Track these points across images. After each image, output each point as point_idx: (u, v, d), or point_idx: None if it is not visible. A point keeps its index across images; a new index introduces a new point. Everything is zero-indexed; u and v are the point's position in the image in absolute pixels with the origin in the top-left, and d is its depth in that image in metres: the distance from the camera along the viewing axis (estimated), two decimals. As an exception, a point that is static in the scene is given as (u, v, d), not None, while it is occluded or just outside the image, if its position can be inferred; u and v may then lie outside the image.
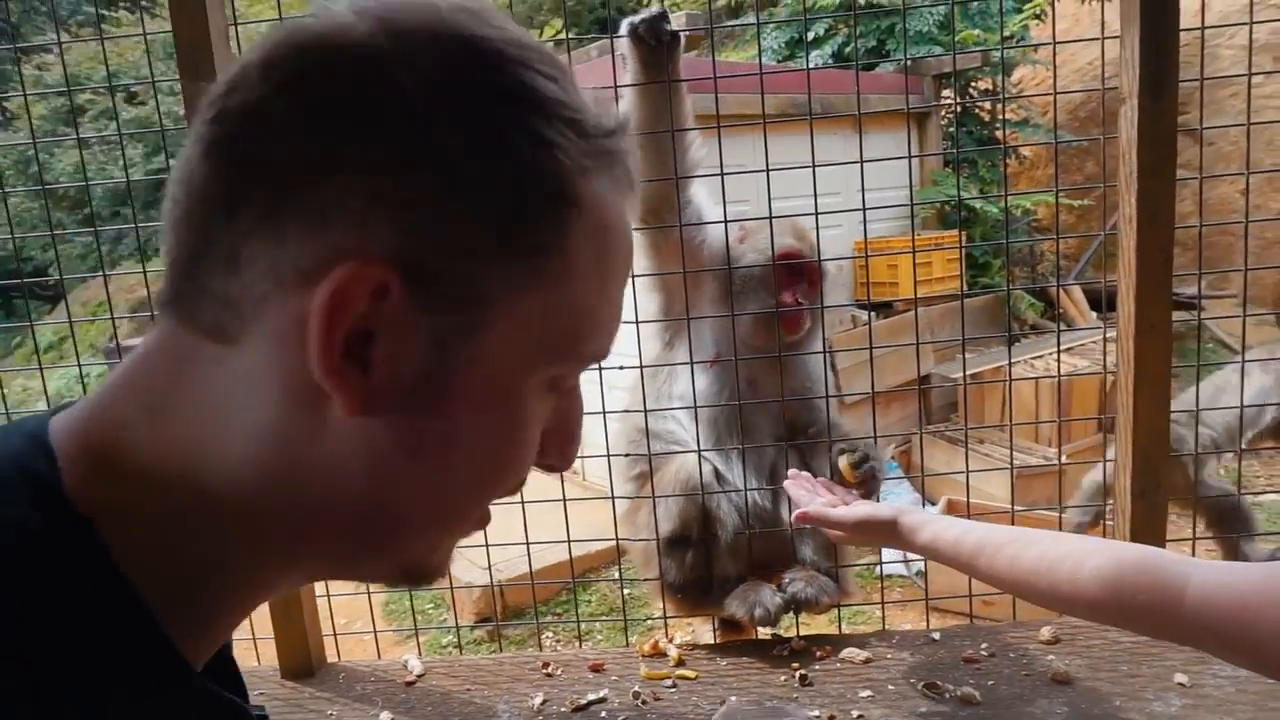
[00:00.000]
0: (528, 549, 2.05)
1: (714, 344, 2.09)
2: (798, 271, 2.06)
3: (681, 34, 1.87)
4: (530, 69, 0.49)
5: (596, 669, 1.92)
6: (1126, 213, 1.79)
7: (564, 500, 1.98)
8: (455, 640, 4.05)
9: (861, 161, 1.87)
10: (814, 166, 1.88)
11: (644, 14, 1.83)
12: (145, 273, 1.90)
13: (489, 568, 2.41)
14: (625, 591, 4.47)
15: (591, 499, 2.23)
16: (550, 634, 4.32)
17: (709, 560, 2.01)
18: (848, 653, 1.89)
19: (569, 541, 2.00)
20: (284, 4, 2.03)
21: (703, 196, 2.07)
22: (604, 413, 2.00)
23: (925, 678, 1.76)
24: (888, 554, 3.95)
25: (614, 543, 2.30)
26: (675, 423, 2.07)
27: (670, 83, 1.87)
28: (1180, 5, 1.71)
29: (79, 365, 2.17)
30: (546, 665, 1.94)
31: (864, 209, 1.90)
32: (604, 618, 4.30)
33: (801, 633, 2.00)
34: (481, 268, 0.48)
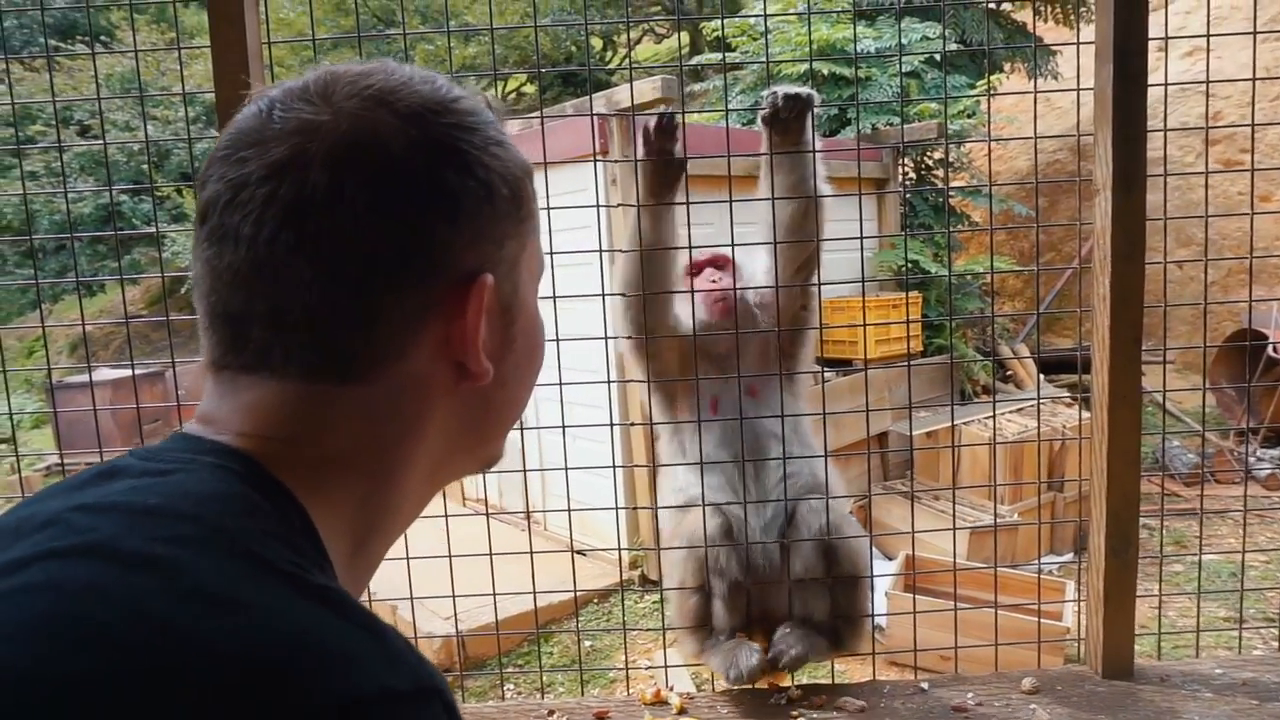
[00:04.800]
0: (494, 599, 2.08)
1: (708, 391, 2.20)
2: (706, 263, 2.22)
3: (686, 159, 2.01)
4: (463, 97, 0.65)
5: (601, 716, 1.97)
6: (1101, 293, 1.96)
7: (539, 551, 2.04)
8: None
9: (861, 235, 2.02)
10: (818, 240, 2.02)
11: (659, 142, 1.98)
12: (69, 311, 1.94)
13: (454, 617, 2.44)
14: (588, 644, 4.49)
15: (553, 551, 2.29)
16: (512, 685, 4.30)
17: (712, 608, 2.09)
18: (843, 701, 1.97)
19: (578, 588, 2.06)
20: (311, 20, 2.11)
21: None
22: (613, 467, 2.08)
23: (919, 725, 1.86)
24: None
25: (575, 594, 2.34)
26: (694, 475, 2.16)
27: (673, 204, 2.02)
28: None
29: (8, 402, 2.23)
30: (551, 713, 1.99)
31: (863, 279, 2.04)
32: (574, 667, 4.30)
33: (797, 682, 2.09)
34: (513, 244, 0.66)
